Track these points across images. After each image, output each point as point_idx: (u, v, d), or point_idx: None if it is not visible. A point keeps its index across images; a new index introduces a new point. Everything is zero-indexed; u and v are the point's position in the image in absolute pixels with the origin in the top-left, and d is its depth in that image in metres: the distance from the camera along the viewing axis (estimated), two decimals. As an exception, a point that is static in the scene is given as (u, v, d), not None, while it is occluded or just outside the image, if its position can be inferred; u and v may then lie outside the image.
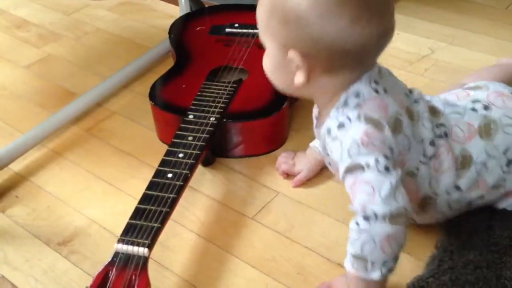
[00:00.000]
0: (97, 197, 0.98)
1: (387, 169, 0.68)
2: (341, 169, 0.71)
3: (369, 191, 0.68)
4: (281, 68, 0.73)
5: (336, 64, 0.70)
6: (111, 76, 1.23)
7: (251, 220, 0.91)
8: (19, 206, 0.97)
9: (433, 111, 0.78)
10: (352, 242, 0.69)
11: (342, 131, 0.71)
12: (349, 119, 0.70)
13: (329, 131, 0.73)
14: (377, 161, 0.69)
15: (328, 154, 0.76)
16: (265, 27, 0.72)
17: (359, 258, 0.68)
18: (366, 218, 0.67)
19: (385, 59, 1.28)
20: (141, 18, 1.53)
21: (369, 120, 0.70)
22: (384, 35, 0.71)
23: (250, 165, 1.01)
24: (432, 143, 0.75)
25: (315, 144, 0.94)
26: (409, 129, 0.73)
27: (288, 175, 0.97)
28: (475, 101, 0.81)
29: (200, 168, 1.00)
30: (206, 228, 0.90)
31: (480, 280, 0.75)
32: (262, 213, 0.92)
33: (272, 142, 1.04)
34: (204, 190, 0.97)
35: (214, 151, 1.02)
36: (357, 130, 0.70)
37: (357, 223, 0.68)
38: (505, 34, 1.30)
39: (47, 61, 1.38)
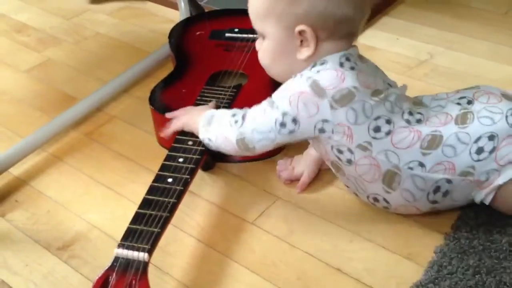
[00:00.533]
0: (97, 202, 0.98)
1: (281, 126, 0.80)
2: (268, 98, 0.83)
3: (258, 116, 0.82)
4: (284, 51, 0.82)
5: (334, 31, 0.79)
6: (111, 80, 1.24)
7: (251, 225, 0.91)
8: (19, 211, 0.97)
9: (418, 102, 0.85)
10: (221, 113, 0.88)
11: (291, 79, 0.82)
12: (301, 75, 0.80)
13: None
14: (284, 114, 0.80)
15: None
16: (267, 14, 0.80)
17: (210, 120, 0.89)
18: (236, 121, 0.84)
19: (384, 64, 1.29)
20: (141, 22, 1.53)
21: (315, 85, 0.78)
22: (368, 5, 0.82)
23: (250, 170, 1.02)
24: (388, 122, 0.79)
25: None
26: (361, 104, 0.78)
27: (292, 181, 0.97)
28: (462, 97, 0.85)
29: (199, 173, 1.00)
30: (206, 233, 0.91)
31: (480, 285, 0.75)
32: (262, 218, 0.92)
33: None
34: (203, 195, 0.97)
35: (214, 156, 1.02)
36: (297, 85, 0.80)
37: (233, 114, 0.86)
38: (504, 39, 1.30)
39: (47, 65, 1.38)
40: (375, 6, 1.43)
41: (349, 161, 0.81)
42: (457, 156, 0.79)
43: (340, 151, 0.81)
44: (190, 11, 1.39)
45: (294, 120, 0.79)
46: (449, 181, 0.80)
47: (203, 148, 0.91)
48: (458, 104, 0.83)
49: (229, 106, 1.00)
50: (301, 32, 0.79)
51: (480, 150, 0.79)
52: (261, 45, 0.84)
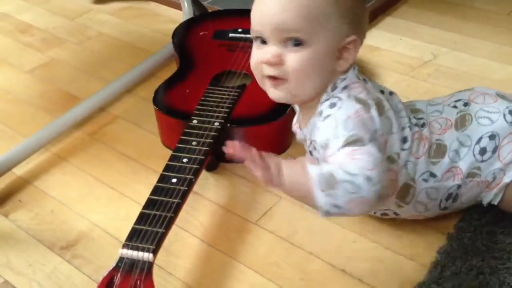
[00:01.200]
0: (100, 202, 0.98)
1: (380, 150, 0.71)
2: (337, 145, 0.70)
3: (373, 161, 0.67)
4: (326, 62, 0.74)
5: (363, 36, 0.77)
6: (114, 80, 1.24)
7: (254, 225, 0.91)
8: (22, 211, 0.97)
9: (414, 110, 0.83)
10: (341, 168, 0.67)
11: (334, 109, 0.73)
12: (340, 99, 0.74)
13: (320, 113, 0.74)
14: (370, 139, 0.70)
15: (314, 148, 0.78)
16: (321, 25, 0.72)
17: (332, 181, 0.66)
18: (368, 178, 0.66)
19: (387, 64, 1.28)
20: (144, 22, 1.53)
21: (358, 99, 0.73)
22: None
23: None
24: (410, 128, 0.79)
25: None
26: (391, 113, 0.77)
27: None
28: (457, 100, 0.85)
29: (203, 173, 1.00)
30: (209, 233, 0.91)
31: (483, 286, 0.75)
32: (265, 218, 0.92)
33: (275, 147, 1.04)
34: (207, 195, 0.97)
35: (218, 156, 1.02)
36: (350, 107, 0.72)
37: (362, 170, 0.66)
38: (507, 39, 1.30)
39: (50, 65, 1.39)
40: (379, 6, 1.43)
41: None
42: (462, 159, 0.79)
43: None
44: (193, 11, 1.40)
45: (374, 139, 0.72)
46: (459, 186, 0.80)
47: (208, 149, 0.91)
48: (455, 107, 0.84)
49: (233, 106, 1.00)
50: (349, 43, 0.74)
51: (483, 151, 0.79)
52: (292, 54, 0.73)
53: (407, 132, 0.78)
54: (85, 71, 1.35)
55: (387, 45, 1.32)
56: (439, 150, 0.80)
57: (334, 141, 0.71)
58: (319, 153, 0.79)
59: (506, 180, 0.80)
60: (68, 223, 0.94)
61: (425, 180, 0.79)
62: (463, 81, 1.17)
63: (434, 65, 1.24)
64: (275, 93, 0.77)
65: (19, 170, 1.05)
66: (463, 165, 0.80)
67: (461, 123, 0.81)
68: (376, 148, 0.70)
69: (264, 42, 0.75)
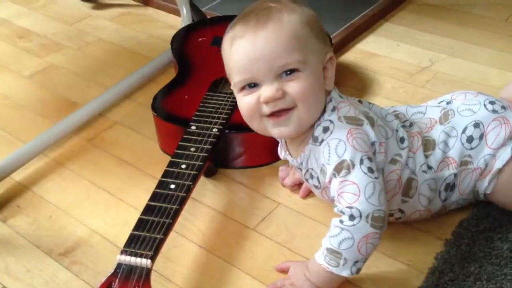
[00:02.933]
0: (98, 208, 0.98)
1: (370, 170, 0.74)
2: (329, 171, 0.75)
3: (355, 190, 0.73)
4: (320, 83, 0.78)
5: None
6: (112, 86, 1.24)
7: (252, 231, 0.91)
8: (20, 216, 0.97)
9: (397, 117, 0.86)
10: (331, 236, 0.73)
11: (327, 133, 0.77)
12: (331, 122, 0.77)
13: (315, 139, 0.78)
14: (361, 161, 0.74)
15: (310, 176, 0.82)
16: (306, 49, 0.75)
17: (334, 253, 0.73)
18: (351, 217, 0.72)
19: (385, 70, 1.29)
20: (143, 28, 1.54)
21: (349, 118, 0.77)
22: None
23: (252, 176, 1.02)
24: (403, 127, 0.83)
25: None
26: (380, 121, 0.81)
27: (294, 187, 0.97)
28: (440, 101, 0.91)
29: (202, 179, 1.00)
30: (208, 239, 0.91)
31: (481, 292, 0.76)
32: (263, 224, 0.92)
33: (274, 153, 1.04)
34: (205, 201, 0.98)
35: (216, 162, 1.02)
36: (342, 129, 0.76)
37: (341, 221, 0.73)
38: (505, 45, 1.30)
39: (49, 71, 1.39)
40: (377, 12, 1.44)
41: None
42: (452, 149, 0.83)
43: None
44: (192, 18, 1.40)
45: (369, 158, 0.75)
46: (455, 175, 0.83)
47: (206, 155, 0.91)
48: (438, 106, 0.89)
49: (231, 112, 1.01)
50: (328, 61, 0.78)
51: (470, 139, 0.83)
52: (291, 82, 0.75)
53: (401, 132, 0.82)
54: (84, 77, 1.35)
55: (385, 51, 1.32)
56: (429, 144, 0.83)
57: (328, 168, 0.76)
58: (316, 181, 0.82)
59: (498, 165, 0.82)
60: (67, 229, 0.94)
61: (424, 172, 0.82)
62: (461, 87, 1.16)
63: (432, 71, 1.25)
64: (281, 130, 0.78)
65: (18, 176, 1.05)
66: (454, 154, 0.83)
67: (445, 118, 0.85)
68: (363, 171, 0.73)
69: (254, 86, 0.76)
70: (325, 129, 0.77)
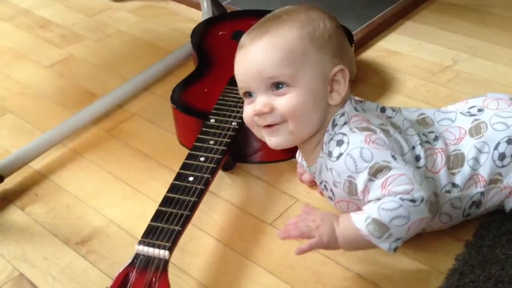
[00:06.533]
0: (116, 198, 0.98)
1: (405, 161, 0.73)
2: (362, 179, 0.72)
3: (408, 181, 0.69)
4: (318, 97, 0.76)
5: (351, 73, 0.79)
6: (132, 78, 1.24)
7: (270, 226, 0.91)
8: (38, 204, 0.98)
9: (423, 122, 0.83)
10: (383, 209, 0.69)
11: (344, 146, 0.74)
12: (344, 134, 0.75)
13: (330, 154, 0.75)
14: (394, 156, 0.72)
15: (324, 187, 0.80)
16: (301, 63, 0.74)
17: (381, 225, 0.69)
18: (413, 200, 0.68)
19: (406, 69, 1.28)
20: (163, 21, 1.54)
21: (361, 128, 0.75)
22: None
23: (270, 171, 1.01)
24: (421, 145, 0.79)
25: None
26: (399, 135, 0.78)
27: (313, 183, 0.96)
28: (471, 106, 0.85)
29: (219, 173, 0.99)
30: (225, 233, 0.90)
31: (502, 295, 0.74)
32: (281, 219, 0.91)
33: (292, 149, 1.03)
34: (223, 194, 0.97)
35: (234, 156, 1.02)
36: (358, 138, 0.73)
37: (402, 198, 0.68)
38: (528, 47, 1.28)
39: (69, 61, 1.39)
40: (399, 10, 1.42)
41: None
42: (482, 166, 0.79)
43: None
44: (212, 11, 1.39)
45: (396, 154, 0.73)
46: (482, 193, 0.80)
47: (225, 148, 0.91)
48: (468, 113, 0.84)
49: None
50: (336, 74, 0.76)
51: (502, 156, 0.79)
52: (282, 97, 0.75)
53: (418, 150, 0.78)
54: (103, 68, 1.35)
55: (407, 50, 1.31)
56: (457, 160, 0.79)
57: (359, 177, 0.72)
58: (330, 193, 0.80)
59: None
60: (84, 218, 0.94)
61: (448, 192, 0.79)
62: (483, 87, 1.15)
63: (455, 70, 1.23)
64: (273, 141, 0.79)
65: (36, 164, 1.06)
66: (484, 172, 0.79)
67: (476, 131, 0.81)
68: (402, 163, 0.71)
69: (251, 95, 0.78)
70: (339, 143, 0.74)
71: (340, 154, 0.74)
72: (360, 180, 0.72)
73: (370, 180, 0.71)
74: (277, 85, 0.75)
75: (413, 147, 0.78)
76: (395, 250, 0.71)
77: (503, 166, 0.79)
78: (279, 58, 0.74)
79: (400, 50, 1.31)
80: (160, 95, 1.23)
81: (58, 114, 1.19)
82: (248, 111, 0.79)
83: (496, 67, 1.23)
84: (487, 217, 0.85)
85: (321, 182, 0.82)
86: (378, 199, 0.70)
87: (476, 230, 0.84)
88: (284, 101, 0.75)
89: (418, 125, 0.83)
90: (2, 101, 1.26)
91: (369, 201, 0.72)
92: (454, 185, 0.79)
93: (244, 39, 0.78)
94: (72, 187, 1.01)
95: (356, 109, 0.78)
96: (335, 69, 0.76)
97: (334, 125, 0.77)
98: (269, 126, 0.78)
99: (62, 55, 1.41)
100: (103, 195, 0.99)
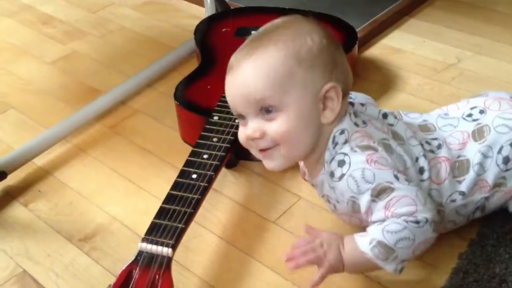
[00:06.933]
0: (119, 195, 0.98)
1: (407, 180, 0.71)
2: (365, 200, 0.71)
3: (411, 202, 0.69)
4: (310, 117, 0.74)
5: (347, 84, 0.76)
6: (135, 74, 1.24)
7: (273, 224, 0.90)
8: (42, 201, 0.98)
9: (425, 128, 0.82)
10: (388, 231, 0.68)
11: (345, 167, 0.72)
12: (345, 154, 0.73)
13: (332, 175, 0.74)
14: (396, 176, 0.71)
15: (327, 200, 0.80)
16: (289, 83, 0.72)
17: (387, 248, 0.68)
18: (417, 222, 0.68)
19: (410, 66, 1.27)
20: (166, 18, 1.53)
21: (363, 147, 0.73)
22: None
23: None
24: (425, 156, 0.77)
25: None
26: (401, 148, 0.76)
27: None
28: (473, 107, 0.84)
29: (223, 170, 0.99)
30: (228, 230, 0.90)
31: (506, 294, 0.74)
32: (284, 217, 0.91)
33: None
34: (226, 192, 0.97)
35: (237, 154, 1.01)
36: (359, 159, 0.72)
37: (406, 221, 0.68)
38: (533, 45, 1.28)
39: (71, 57, 1.39)
40: (403, 8, 1.42)
41: None
42: (487, 171, 0.78)
43: None
44: (216, 8, 1.39)
45: (400, 172, 0.72)
46: (486, 198, 0.80)
47: (228, 145, 0.90)
48: (470, 115, 0.82)
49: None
50: (328, 92, 0.73)
51: (506, 159, 0.78)
52: (272, 122, 0.73)
53: (422, 161, 0.77)
54: (106, 64, 1.35)
55: (411, 47, 1.30)
56: (462, 167, 0.78)
57: (362, 198, 0.71)
58: (332, 206, 0.80)
59: None
60: (87, 215, 0.94)
61: (453, 201, 0.78)
62: (487, 85, 1.15)
63: (459, 68, 1.22)
64: (268, 165, 0.78)
65: (40, 161, 1.06)
66: (489, 176, 0.78)
67: (479, 135, 0.80)
68: (404, 184, 0.71)
69: (243, 117, 0.76)
70: (341, 163, 0.73)
71: (342, 175, 0.72)
72: (363, 201, 0.71)
73: (373, 201, 0.70)
74: (266, 109, 0.73)
75: (417, 159, 0.77)
76: (400, 271, 0.71)
77: (507, 170, 0.78)
78: (264, 82, 0.72)
79: (403, 47, 1.30)
80: (163, 92, 1.23)
81: (61, 110, 1.19)
82: (242, 133, 0.77)
83: (500, 65, 1.22)
84: (491, 216, 0.85)
85: (323, 196, 0.81)
86: (382, 220, 0.70)
87: (480, 229, 0.84)
88: (274, 127, 0.73)
89: (420, 132, 0.81)
90: (4, 97, 1.26)
91: (373, 222, 0.71)
92: (460, 193, 0.78)
93: (232, 60, 0.76)
94: (75, 183, 1.01)
95: (356, 124, 0.76)
96: (326, 87, 0.73)
97: (334, 143, 0.75)
98: (263, 150, 0.76)
99: (65, 51, 1.41)
100: (106, 192, 0.99)
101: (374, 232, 0.69)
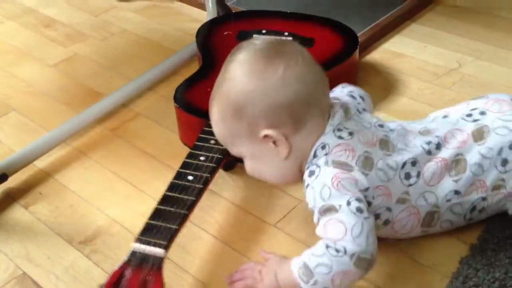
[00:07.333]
0: (120, 198, 0.98)
1: (359, 210, 0.71)
2: (316, 213, 0.74)
3: (342, 229, 0.70)
4: (266, 158, 0.79)
5: (298, 116, 0.75)
6: (136, 77, 1.24)
7: (272, 227, 0.90)
8: (42, 203, 0.98)
9: (425, 132, 0.82)
10: (311, 254, 0.71)
11: (312, 178, 0.75)
12: (318, 166, 0.75)
13: (304, 182, 0.77)
14: (348, 203, 0.71)
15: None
16: (231, 136, 0.79)
17: (308, 270, 0.70)
18: (336, 250, 0.69)
19: (411, 71, 1.27)
20: (167, 21, 1.54)
21: (337, 163, 0.74)
22: (316, 74, 0.78)
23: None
24: (414, 163, 0.77)
25: None
26: (383, 162, 0.76)
27: None
28: (473, 108, 0.83)
29: (222, 173, 1.00)
30: (226, 232, 0.90)
31: (506, 299, 0.74)
32: (284, 220, 0.91)
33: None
34: (225, 195, 0.97)
35: (236, 157, 1.01)
36: (327, 174, 0.74)
37: (327, 246, 0.70)
38: (534, 50, 1.28)
39: (73, 60, 1.39)
40: (404, 12, 1.42)
41: (387, 221, 0.78)
42: (486, 172, 0.78)
43: (377, 216, 0.77)
44: (217, 12, 1.39)
45: (358, 199, 0.72)
46: (484, 198, 0.79)
47: (225, 148, 0.90)
48: (469, 116, 0.82)
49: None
50: (265, 137, 0.76)
51: (504, 162, 0.78)
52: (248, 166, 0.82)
53: (408, 168, 0.77)
54: (108, 67, 1.35)
55: (412, 52, 1.31)
56: (459, 166, 0.78)
57: (315, 211, 0.74)
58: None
59: None
60: (87, 217, 0.94)
61: (449, 200, 0.79)
62: (488, 90, 1.14)
63: (459, 73, 1.23)
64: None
65: (41, 163, 1.06)
66: (487, 178, 0.78)
67: (479, 135, 0.79)
68: (352, 211, 0.71)
69: None
70: (311, 173, 0.75)
71: (308, 185, 0.75)
72: (315, 214, 0.74)
73: (320, 216, 0.73)
74: None
75: (403, 165, 0.77)
76: None
77: (505, 172, 0.78)
78: (222, 140, 0.82)
79: (404, 52, 1.31)
80: (165, 95, 1.23)
81: (62, 113, 1.19)
82: None
83: (502, 70, 1.23)
84: (491, 220, 0.85)
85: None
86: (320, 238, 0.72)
87: (480, 233, 0.84)
88: (254, 171, 0.83)
89: (420, 136, 0.81)
90: (6, 99, 1.26)
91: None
92: (456, 191, 0.78)
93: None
94: (76, 186, 1.01)
95: (340, 137, 0.76)
96: (260, 134, 0.76)
97: (315, 155, 0.77)
98: None
99: (67, 54, 1.41)
100: (107, 195, 0.99)
101: (305, 254, 0.72)
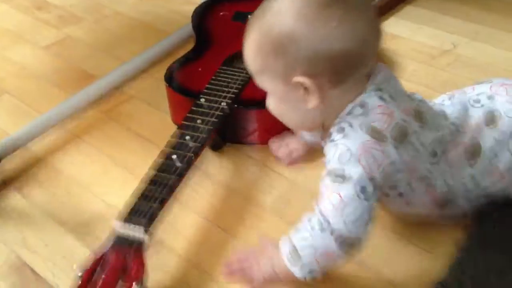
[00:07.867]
0: (115, 183, 0.98)
1: (363, 191, 0.68)
2: (326, 170, 0.71)
3: (338, 205, 0.67)
4: (291, 102, 0.73)
5: (340, 72, 0.69)
6: (130, 60, 1.23)
7: (264, 207, 0.90)
8: (38, 190, 0.97)
9: (442, 113, 0.80)
10: (298, 234, 0.71)
11: (341, 135, 0.70)
12: (351, 125, 0.70)
13: (329, 135, 0.73)
14: (359, 179, 0.68)
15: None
16: (262, 70, 0.72)
17: (295, 252, 0.70)
18: (322, 226, 0.68)
19: (406, 52, 1.26)
20: (162, 3, 1.52)
21: (371, 130, 0.69)
22: (373, 33, 0.71)
23: (264, 151, 1.00)
24: (440, 142, 0.76)
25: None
26: (415, 135, 0.73)
27: (293, 162, 0.96)
28: (479, 93, 0.82)
29: (212, 153, 0.99)
30: (217, 213, 0.90)
31: (507, 285, 0.74)
32: (276, 201, 0.91)
33: (281, 131, 1.02)
34: (217, 175, 0.96)
35: (224, 136, 1.01)
36: (356, 138, 0.69)
37: (312, 228, 0.69)
38: (529, 32, 1.27)
39: (66, 42, 1.38)
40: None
41: (401, 194, 0.76)
42: (498, 157, 0.77)
43: (394, 187, 0.75)
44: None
45: (372, 179, 0.68)
46: (495, 183, 0.79)
47: (211, 128, 0.90)
48: (478, 101, 0.81)
49: (242, 87, 0.99)
50: (298, 83, 0.69)
51: None
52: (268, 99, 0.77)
53: (436, 145, 0.76)
54: (101, 50, 1.34)
55: (407, 34, 1.30)
56: (475, 151, 0.77)
57: (327, 165, 0.71)
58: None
59: None
60: (84, 203, 0.94)
61: (464, 184, 0.78)
62: (484, 71, 1.15)
63: (454, 54, 1.22)
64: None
65: (35, 147, 1.05)
66: (501, 162, 0.78)
67: (491, 120, 0.78)
68: (352, 191, 0.67)
69: None
70: (340, 130, 0.70)
71: (333, 140, 0.71)
72: (324, 172, 0.71)
73: (327, 175, 0.70)
74: None
75: (432, 141, 0.75)
76: (312, 278, 0.71)
77: None
78: (248, 61, 0.73)
79: (400, 34, 1.30)
80: (158, 78, 1.21)
81: (55, 95, 1.18)
82: None
83: (497, 52, 1.22)
84: (492, 207, 0.83)
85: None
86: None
87: (479, 220, 0.83)
88: (269, 105, 0.77)
89: (438, 116, 0.79)
90: (-1, 82, 1.25)
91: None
92: (472, 177, 0.78)
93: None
94: (71, 171, 1.00)
95: (382, 98, 0.71)
96: (294, 79, 0.69)
97: (350, 112, 0.71)
98: None
99: (59, 36, 1.40)
100: (103, 180, 0.98)
101: (292, 233, 0.72)
